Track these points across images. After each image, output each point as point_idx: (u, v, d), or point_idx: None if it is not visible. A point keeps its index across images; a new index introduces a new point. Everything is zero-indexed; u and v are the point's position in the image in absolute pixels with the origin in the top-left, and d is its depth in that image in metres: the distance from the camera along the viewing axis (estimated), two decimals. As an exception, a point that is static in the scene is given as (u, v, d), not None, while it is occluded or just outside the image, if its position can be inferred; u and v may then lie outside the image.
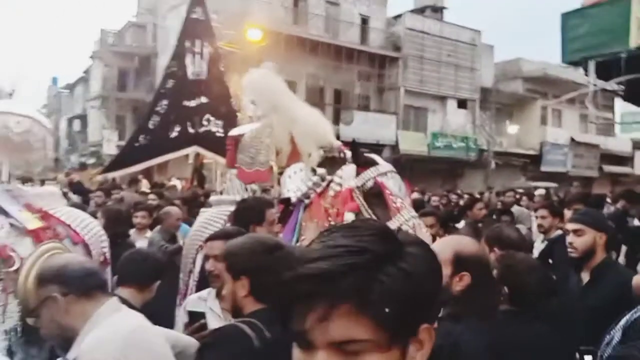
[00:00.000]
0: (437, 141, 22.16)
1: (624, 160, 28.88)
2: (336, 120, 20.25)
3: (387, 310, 0.70)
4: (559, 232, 4.29)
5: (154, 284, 2.45)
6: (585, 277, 2.84)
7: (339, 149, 3.11)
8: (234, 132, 3.74)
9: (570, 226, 2.86)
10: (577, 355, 2.31)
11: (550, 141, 25.66)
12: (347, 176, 2.93)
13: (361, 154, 3.01)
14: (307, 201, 3.02)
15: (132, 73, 27.92)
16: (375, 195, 2.88)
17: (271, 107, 3.26)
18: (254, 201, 3.01)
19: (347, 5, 21.37)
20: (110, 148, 23.69)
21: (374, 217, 2.83)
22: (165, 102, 8.17)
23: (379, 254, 0.73)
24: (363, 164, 2.95)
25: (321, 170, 3.06)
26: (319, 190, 3.00)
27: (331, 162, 3.12)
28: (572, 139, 26.47)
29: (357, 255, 0.72)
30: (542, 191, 11.75)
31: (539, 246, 4.33)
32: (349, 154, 3.02)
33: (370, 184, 2.90)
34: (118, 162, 8.70)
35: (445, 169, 22.97)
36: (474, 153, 23.04)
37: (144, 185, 9.09)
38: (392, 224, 2.79)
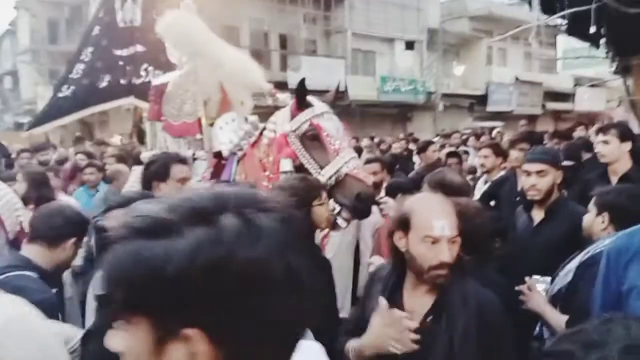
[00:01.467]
0: (385, 85, 21.98)
1: (566, 97, 29.67)
2: (283, 66, 19.69)
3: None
4: (502, 172, 4.27)
5: (66, 241, 2.15)
6: (538, 215, 2.81)
7: (270, 92, 2.89)
8: (157, 81, 3.42)
9: (531, 167, 2.77)
10: (527, 279, 2.30)
11: (495, 81, 25.96)
12: (280, 121, 2.74)
13: (306, 89, 2.81)
14: (240, 153, 2.80)
15: (63, 23, 26.14)
16: (312, 138, 2.75)
17: (193, 51, 2.95)
18: (159, 156, 2.76)
19: (288, -56, 20.39)
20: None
21: (311, 161, 2.68)
22: (90, 49, 7.48)
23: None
24: (295, 107, 2.76)
25: (252, 118, 2.84)
26: (251, 140, 2.79)
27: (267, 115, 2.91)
28: (517, 78, 26.86)
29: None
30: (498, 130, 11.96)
31: (481, 187, 4.29)
32: (282, 96, 2.81)
33: (305, 126, 2.77)
34: (44, 117, 8.01)
35: (395, 113, 22.97)
36: (422, 96, 23.06)
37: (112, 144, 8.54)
38: (332, 168, 2.65)
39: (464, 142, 9.73)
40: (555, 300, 2.21)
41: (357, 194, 2.62)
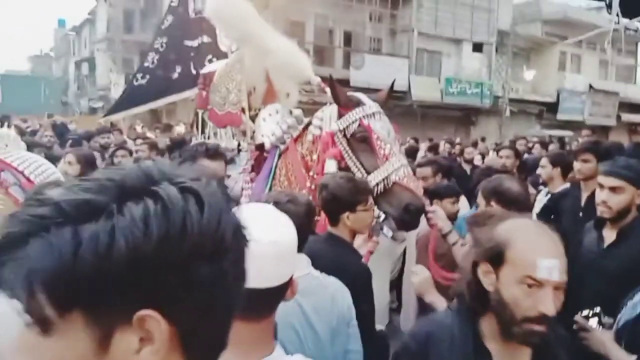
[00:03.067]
0: (450, 87, 21.42)
1: (644, 108, 27.93)
2: (346, 64, 19.59)
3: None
4: (567, 184, 3.95)
5: None
6: (610, 236, 2.50)
7: (319, 86, 2.74)
8: (205, 69, 3.38)
9: (605, 181, 2.45)
10: (577, 318, 2.05)
11: (568, 88, 24.76)
12: (327, 118, 2.59)
13: (341, 91, 2.63)
14: (282, 147, 2.70)
15: (138, 14, 27.23)
16: (360, 140, 2.56)
17: (241, 37, 2.85)
18: (188, 149, 2.63)
19: (359, -60, 20.21)
20: (118, 92, 23.17)
21: (358, 164, 2.52)
22: (164, 39, 7.65)
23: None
24: (345, 104, 2.59)
25: (297, 112, 2.72)
26: (295, 134, 2.67)
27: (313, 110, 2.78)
28: (591, 86, 25.51)
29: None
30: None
31: (542, 199, 3.99)
32: (329, 92, 2.66)
33: (354, 126, 2.57)
34: (119, 105, 8.35)
35: (458, 116, 22.36)
36: (488, 100, 22.31)
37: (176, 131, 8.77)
38: (380, 174, 2.49)
39: (529, 150, 9.26)
40: (621, 335, 1.94)
41: (405, 205, 2.43)
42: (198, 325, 0.58)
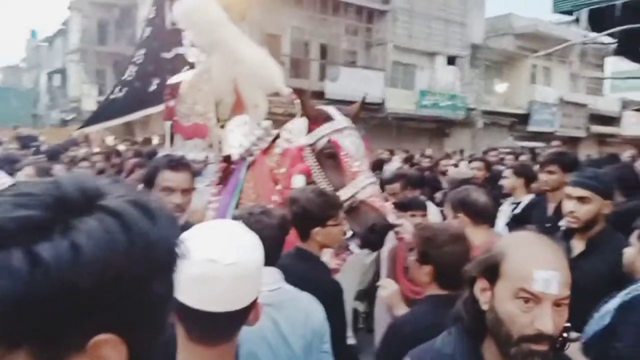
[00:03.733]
0: (424, 99, 21.67)
1: (612, 120, 28.68)
2: (322, 76, 19.66)
3: None
4: (531, 195, 4.03)
5: None
6: (578, 247, 2.50)
7: (289, 97, 2.71)
8: (172, 80, 3.32)
9: (572, 191, 2.45)
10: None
11: (539, 100, 25.29)
12: (297, 131, 2.55)
13: (311, 106, 2.60)
14: (250, 159, 2.65)
15: (112, 25, 26.98)
16: (329, 156, 2.52)
17: (210, 43, 2.78)
18: (152, 161, 2.55)
19: (334, -46, 20.41)
20: (90, 104, 22.99)
21: (325, 181, 2.48)
22: (142, 51, 7.54)
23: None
24: (314, 119, 2.56)
25: (266, 123, 2.68)
26: (263, 146, 2.63)
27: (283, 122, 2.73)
28: (561, 99, 26.11)
29: None
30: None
31: (506, 210, 4.04)
32: (299, 105, 2.63)
33: (323, 142, 2.54)
34: (95, 117, 8.19)
35: (432, 128, 22.62)
36: (461, 112, 22.63)
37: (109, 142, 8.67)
38: (347, 192, 2.45)
39: (501, 161, 9.39)
40: (589, 348, 1.93)
41: (370, 225, 2.40)
42: (151, 344, 0.56)
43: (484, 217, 2.31)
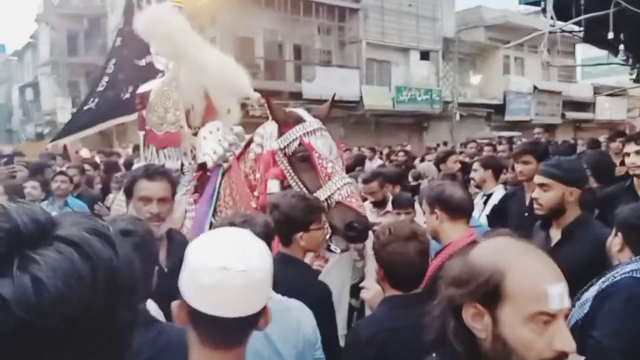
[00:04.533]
0: (401, 95, 21.81)
1: (586, 106, 29.17)
2: (298, 77, 19.63)
3: None
4: (500, 186, 4.08)
5: None
6: (556, 235, 2.53)
7: (258, 101, 2.69)
8: (141, 89, 3.27)
9: (537, 179, 2.52)
10: None
11: (513, 90, 25.61)
12: (268, 135, 2.53)
13: (277, 108, 2.58)
14: (225, 165, 2.62)
15: (82, 36, 26.58)
16: (302, 159, 2.51)
17: (174, 53, 2.75)
18: (132, 171, 2.53)
19: (303, -45, 20.39)
20: (65, 116, 22.59)
21: (300, 184, 2.47)
22: (113, 60, 7.45)
23: None
24: (284, 122, 2.54)
25: (238, 129, 2.66)
26: (237, 151, 2.61)
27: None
28: (535, 87, 26.47)
29: None
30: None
31: (478, 202, 4.08)
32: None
33: (295, 145, 2.52)
34: (68, 129, 8.06)
35: (411, 123, 22.75)
36: (438, 105, 22.82)
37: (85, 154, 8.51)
38: (322, 193, 2.43)
39: (479, 152, 9.48)
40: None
41: (347, 224, 2.40)
42: None
43: (461, 211, 2.31)
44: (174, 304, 1.16)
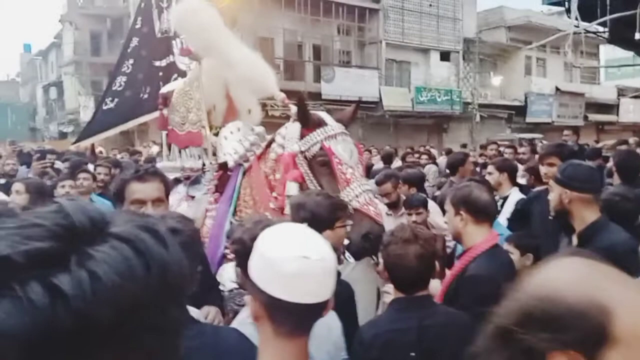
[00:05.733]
0: (421, 95, 21.69)
1: (609, 108, 28.67)
2: (317, 77, 19.67)
3: None
4: (515, 189, 4.03)
5: None
6: (575, 240, 2.53)
7: (282, 101, 2.68)
8: (164, 89, 3.30)
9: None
10: None
11: (535, 91, 25.29)
12: (290, 136, 2.52)
13: (308, 112, 2.55)
14: (246, 165, 2.63)
15: (105, 36, 26.96)
16: (321, 164, 2.48)
17: (204, 47, 2.74)
18: (122, 174, 2.48)
19: (323, -45, 20.42)
20: (87, 115, 22.93)
21: (318, 188, 2.46)
22: (130, 61, 7.57)
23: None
24: (306, 124, 2.53)
25: (259, 129, 2.66)
26: (258, 151, 2.60)
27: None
28: (557, 89, 26.11)
29: None
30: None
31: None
32: (293, 109, 2.60)
33: (316, 148, 2.50)
34: (89, 130, 8.25)
35: (430, 124, 22.62)
36: (458, 106, 22.64)
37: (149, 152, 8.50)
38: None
39: (500, 154, 9.37)
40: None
41: (364, 234, 2.36)
42: None
43: (486, 214, 2.30)
44: (248, 300, 1.22)
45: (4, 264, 0.45)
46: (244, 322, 1.61)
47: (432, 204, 3.86)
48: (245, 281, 1.63)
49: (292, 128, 2.57)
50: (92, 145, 8.46)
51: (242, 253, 1.55)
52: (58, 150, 8.88)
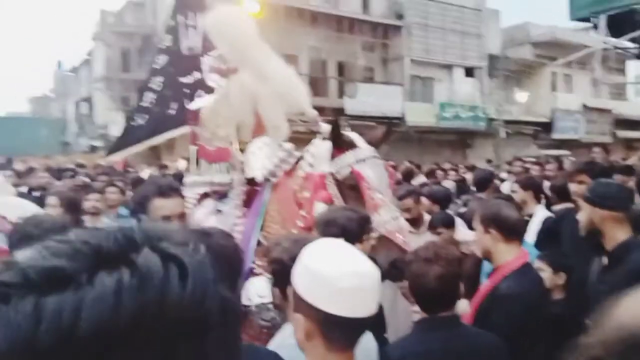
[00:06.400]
0: (445, 111, 21.59)
1: (638, 124, 28.07)
2: (340, 93, 19.76)
3: None
4: (540, 206, 3.98)
5: None
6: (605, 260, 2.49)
7: (315, 119, 2.69)
8: (194, 105, 3.36)
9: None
10: None
11: (561, 108, 24.94)
12: (320, 156, 2.52)
13: (342, 133, 2.54)
14: (274, 180, 2.65)
15: (135, 53, 27.61)
16: (350, 188, 2.46)
17: (240, 57, 2.70)
18: (143, 187, 2.44)
19: (348, -27, 20.66)
20: (117, 129, 23.38)
21: None
22: (159, 79, 7.78)
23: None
24: (338, 145, 2.51)
25: (288, 145, 2.68)
26: (287, 167, 2.63)
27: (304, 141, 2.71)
28: (584, 105, 25.71)
29: None
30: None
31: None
32: (324, 127, 2.60)
33: (346, 171, 2.48)
34: (119, 144, 8.48)
35: (454, 140, 22.46)
36: (483, 122, 22.45)
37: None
38: None
39: (527, 171, 9.24)
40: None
41: (391, 261, 2.32)
42: None
43: (516, 232, 2.29)
44: (297, 319, 1.24)
45: (19, 275, 0.46)
46: (283, 344, 1.58)
47: (459, 221, 3.83)
48: (283, 302, 1.64)
49: (323, 147, 2.57)
50: (125, 159, 8.66)
51: (281, 273, 1.56)
52: (85, 164, 9.13)
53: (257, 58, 2.69)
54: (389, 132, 2.84)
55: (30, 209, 2.49)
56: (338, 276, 1.18)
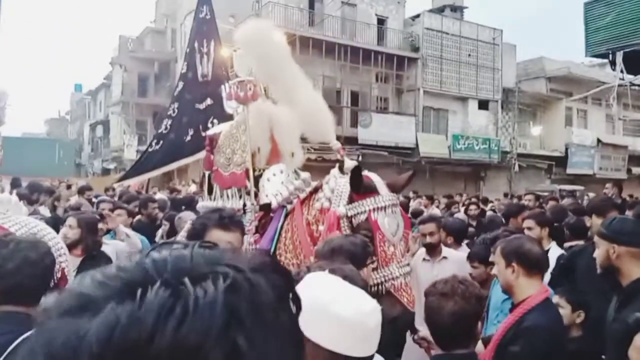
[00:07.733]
0: (458, 143, 21.60)
1: (654, 161, 27.82)
2: (354, 123, 19.88)
3: None
4: (553, 243, 3.94)
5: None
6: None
7: (338, 151, 2.66)
8: (211, 131, 3.39)
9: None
10: None
11: (575, 142, 24.85)
12: (338, 194, 2.47)
13: (362, 179, 2.47)
14: (289, 207, 2.64)
15: (152, 78, 28.13)
16: (365, 235, 2.39)
17: (271, 74, 2.65)
18: (200, 217, 2.26)
19: (364, 6, 20.97)
20: (131, 153, 23.85)
21: None
22: (176, 104, 7.97)
23: None
24: (358, 189, 2.46)
25: (305, 174, 2.67)
26: (302, 196, 2.62)
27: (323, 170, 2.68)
28: (599, 140, 25.58)
29: None
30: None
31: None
32: (349, 163, 2.56)
33: (362, 218, 2.43)
34: (134, 170, 8.61)
35: (467, 172, 22.39)
36: (496, 155, 22.40)
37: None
38: (377, 276, 2.33)
39: (541, 205, 9.12)
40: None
41: (392, 318, 2.25)
42: None
43: (538, 267, 2.26)
44: None
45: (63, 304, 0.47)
46: None
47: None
48: None
49: (342, 183, 2.52)
50: (148, 181, 8.77)
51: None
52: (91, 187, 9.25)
53: (288, 76, 2.63)
54: (412, 177, 2.77)
55: (45, 230, 2.48)
56: (363, 318, 1.17)
